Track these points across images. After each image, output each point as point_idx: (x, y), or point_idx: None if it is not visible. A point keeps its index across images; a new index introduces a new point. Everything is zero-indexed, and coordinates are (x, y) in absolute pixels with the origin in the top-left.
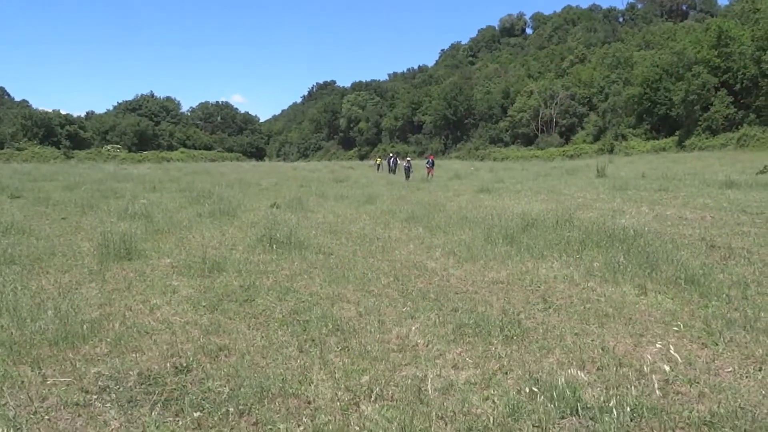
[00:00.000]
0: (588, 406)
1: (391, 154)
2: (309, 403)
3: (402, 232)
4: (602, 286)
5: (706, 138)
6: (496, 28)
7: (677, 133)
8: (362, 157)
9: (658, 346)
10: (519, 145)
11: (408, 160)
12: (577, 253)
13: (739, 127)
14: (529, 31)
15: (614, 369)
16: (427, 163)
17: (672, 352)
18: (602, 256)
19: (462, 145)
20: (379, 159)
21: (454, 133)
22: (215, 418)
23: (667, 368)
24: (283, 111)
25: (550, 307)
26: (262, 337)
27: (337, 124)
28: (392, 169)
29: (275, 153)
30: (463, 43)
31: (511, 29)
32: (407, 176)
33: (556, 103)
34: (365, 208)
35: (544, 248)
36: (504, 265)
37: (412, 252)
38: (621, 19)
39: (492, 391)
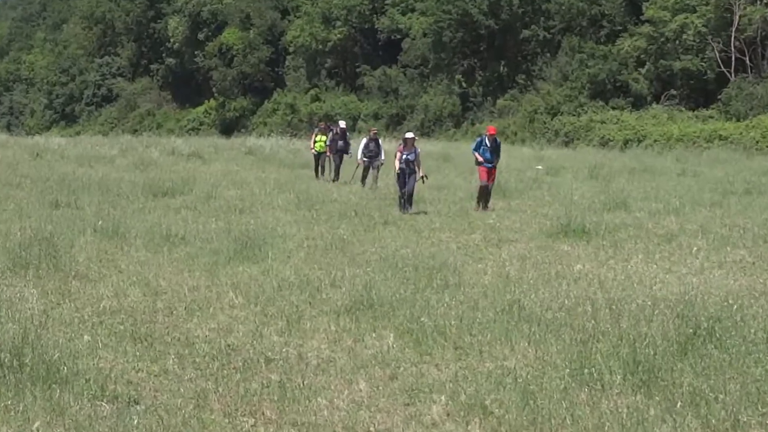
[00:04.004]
0: None
1: (338, 124)
2: None
3: (333, 340)
4: None
5: None
6: None
7: None
8: (228, 127)
9: None
10: (673, 105)
11: (373, 138)
12: None
13: None
14: None
15: None
16: (405, 154)
17: None
18: None
19: (509, 101)
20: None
21: (485, 72)
22: None
23: None
24: None
25: None
26: None
27: (158, 33)
28: (366, 171)
29: None
30: None
31: None
32: (372, 178)
33: None
34: (235, 272)
35: (745, 404)
36: None
37: (353, 398)
38: None
39: None
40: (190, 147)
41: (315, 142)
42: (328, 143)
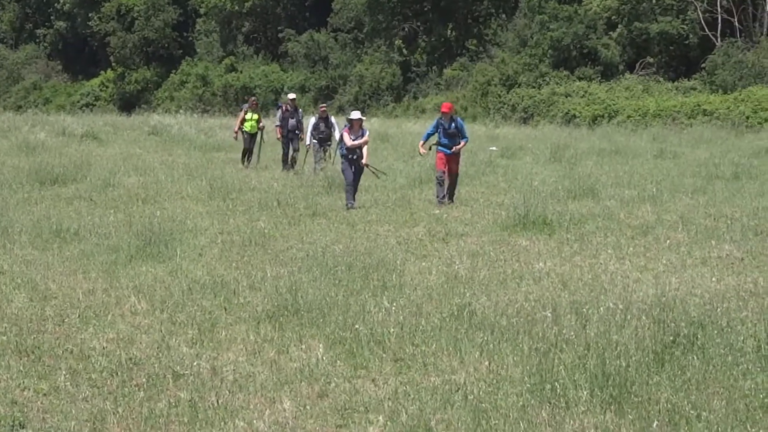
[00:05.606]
0: None
1: (287, 97)
2: None
3: (252, 352)
4: None
5: None
6: None
7: None
8: (128, 103)
9: None
10: (649, 75)
11: (323, 117)
12: None
13: None
14: None
15: None
16: (352, 139)
17: None
18: None
19: (457, 71)
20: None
21: (429, 37)
22: None
23: None
24: None
25: None
26: None
27: None
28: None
29: None
30: None
31: None
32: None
33: None
34: (138, 273)
35: (731, 422)
36: None
37: (276, 419)
38: None
39: None
40: (83, 126)
41: (245, 120)
42: (277, 123)
